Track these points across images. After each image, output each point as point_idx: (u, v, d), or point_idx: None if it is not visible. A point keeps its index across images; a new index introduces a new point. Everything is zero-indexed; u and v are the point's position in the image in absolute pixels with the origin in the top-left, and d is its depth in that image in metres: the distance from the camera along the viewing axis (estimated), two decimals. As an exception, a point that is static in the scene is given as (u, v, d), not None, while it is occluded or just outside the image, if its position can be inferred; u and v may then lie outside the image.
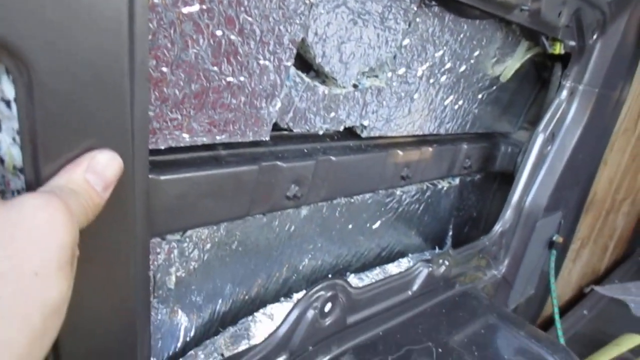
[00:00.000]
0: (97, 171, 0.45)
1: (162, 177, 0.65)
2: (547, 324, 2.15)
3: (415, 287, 1.11)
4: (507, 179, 1.49)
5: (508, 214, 1.40)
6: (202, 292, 0.83)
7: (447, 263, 1.18)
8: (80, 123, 0.45)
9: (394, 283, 1.05)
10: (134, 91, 0.49)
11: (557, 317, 1.59)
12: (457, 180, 1.40)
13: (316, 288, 0.85)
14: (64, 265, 0.37)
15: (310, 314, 0.86)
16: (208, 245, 0.80)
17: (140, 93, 0.49)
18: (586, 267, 2.65)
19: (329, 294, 0.87)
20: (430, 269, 1.13)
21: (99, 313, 0.54)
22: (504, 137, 1.53)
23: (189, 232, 0.75)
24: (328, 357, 0.92)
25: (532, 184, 1.44)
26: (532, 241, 1.51)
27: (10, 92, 0.42)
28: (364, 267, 1.20)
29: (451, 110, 1.21)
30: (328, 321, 0.90)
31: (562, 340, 1.71)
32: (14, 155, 0.44)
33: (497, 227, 1.39)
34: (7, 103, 0.43)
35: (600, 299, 2.59)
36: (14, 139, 0.44)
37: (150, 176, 0.63)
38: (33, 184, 0.44)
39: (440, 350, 1.05)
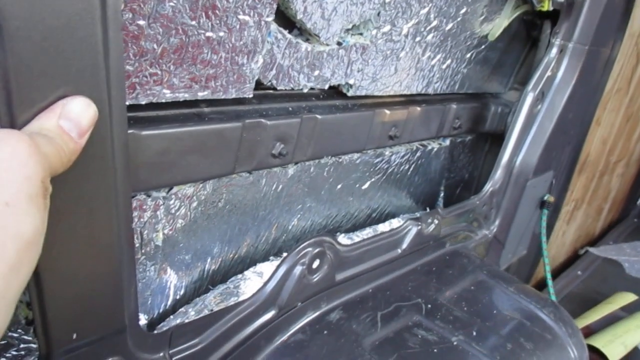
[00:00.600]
0: (71, 118, 0.45)
1: (144, 132, 0.65)
2: (541, 286, 2.17)
3: (404, 246, 1.12)
4: (499, 140, 1.49)
5: (498, 173, 1.41)
6: (190, 250, 0.84)
7: (436, 222, 1.19)
8: (53, 71, 0.45)
9: (382, 241, 1.06)
10: (107, 40, 0.49)
11: (548, 275, 1.61)
12: (447, 142, 1.41)
13: (303, 244, 0.86)
14: (35, 198, 0.37)
15: (298, 270, 0.87)
16: (194, 204, 0.80)
17: (114, 42, 0.49)
18: (580, 229, 2.67)
19: (317, 250, 0.89)
20: (420, 227, 1.14)
21: (83, 265, 0.55)
22: (494, 97, 1.53)
23: (174, 189, 0.76)
24: (317, 313, 0.94)
25: (522, 144, 1.44)
26: (523, 201, 1.52)
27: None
28: (354, 228, 1.21)
29: (439, 70, 1.20)
30: (316, 278, 0.91)
31: (553, 298, 1.74)
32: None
33: (488, 187, 1.40)
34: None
35: (595, 260, 2.62)
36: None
37: (131, 131, 0.63)
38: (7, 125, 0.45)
39: (429, 306, 1.07)
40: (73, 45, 0.46)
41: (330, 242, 0.91)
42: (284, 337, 0.88)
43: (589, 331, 1.96)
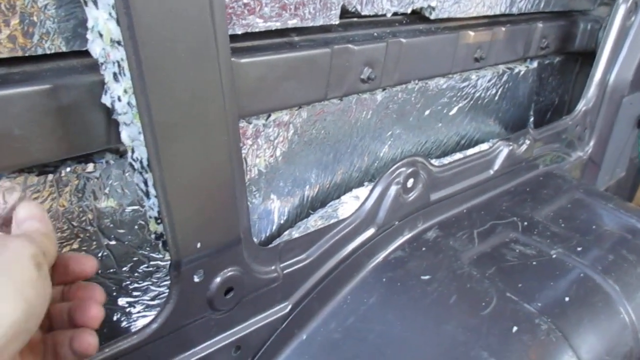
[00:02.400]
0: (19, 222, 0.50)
1: (243, 60, 0.70)
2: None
3: (496, 167, 1.13)
4: (589, 60, 1.44)
5: (591, 91, 1.37)
6: (290, 177, 0.89)
7: (528, 142, 1.18)
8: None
9: (474, 162, 1.07)
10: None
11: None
12: (534, 64, 1.38)
13: (397, 164, 0.89)
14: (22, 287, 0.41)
15: (394, 189, 0.90)
16: (291, 131, 0.85)
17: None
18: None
19: (410, 170, 0.91)
20: (511, 147, 1.13)
21: (202, 181, 0.61)
22: (583, 14, 1.46)
23: (272, 117, 0.80)
24: (414, 231, 0.98)
25: (616, 59, 1.38)
26: (619, 119, 1.47)
27: (103, -29, 0.47)
28: (444, 155, 1.22)
29: (523, -12, 1.18)
30: (411, 196, 0.94)
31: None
32: (111, 29, 0.50)
33: (580, 106, 1.36)
34: (102, -17, 0.48)
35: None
36: (110, 14, 0.49)
37: (232, 59, 0.68)
38: (132, 53, 0.50)
39: (525, 223, 1.08)
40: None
41: (423, 162, 0.94)
42: (385, 254, 0.92)
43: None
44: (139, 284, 0.74)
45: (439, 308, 0.85)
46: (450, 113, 1.18)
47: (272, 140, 0.83)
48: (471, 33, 1.06)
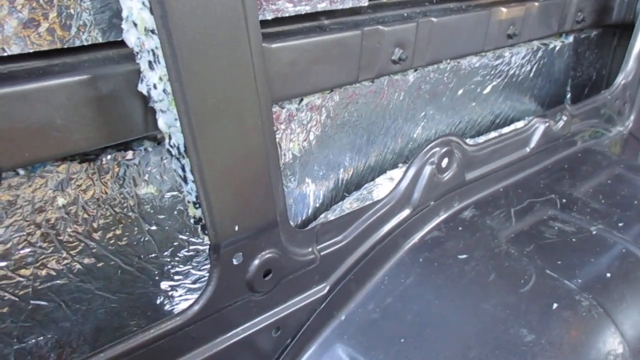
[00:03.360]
0: None
1: (274, 45, 0.70)
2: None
3: (532, 144, 1.11)
4: (628, 32, 1.40)
5: (630, 64, 1.33)
6: (324, 161, 0.90)
7: (565, 118, 1.16)
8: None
9: (510, 140, 1.06)
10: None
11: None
12: (570, 38, 1.35)
13: (431, 144, 0.89)
14: None
15: (428, 169, 0.90)
16: (324, 115, 0.85)
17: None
18: None
19: (444, 149, 0.91)
20: (547, 124, 1.12)
21: (238, 165, 0.62)
22: (620, -15, 1.42)
23: (305, 101, 0.81)
24: (450, 211, 0.97)
25: (657, 29, 1.34)
26: (661, 92, 1.43)
27: (136, -39, 0.49)
28: (478, 135, 1.21)
29: (556, -39, 1.15)
30: (446, 176, 0.94)
31: None
32: (145, 18, 0.52)
33: (620, 80, 1.33)
34: (134, -28, 0.49)
35: None
36: (143, 4, 0.51)
37: (263, 45, 0.68)
38: (166, 41, 0.51)
39: (564, 200, 1.06)
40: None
41: (457, 142, 0.94)
42: (421, 234, 0.92)
43: None
44: (180, 268, 0.76)
45: (477, 287, 0.85)
46: (484, 92, 1.16)
47: (305, 124, 0.83)
48: (503, 9, 1.05)
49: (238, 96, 0.59)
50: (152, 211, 0.70)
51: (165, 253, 0.74)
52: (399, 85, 0.95)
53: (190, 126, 0.56)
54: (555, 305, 0.82)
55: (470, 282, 0.86)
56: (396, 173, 0.98)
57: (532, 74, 1.27)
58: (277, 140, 0.80)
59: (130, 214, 0.67)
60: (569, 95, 1.46)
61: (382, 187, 0.95)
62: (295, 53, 0.73)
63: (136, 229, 0.69)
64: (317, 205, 0.93)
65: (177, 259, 0.75)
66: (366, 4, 0.82)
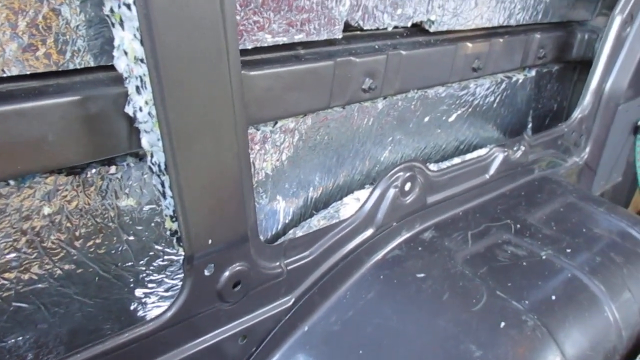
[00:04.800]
0: None
1: (252, 73, 0.76)
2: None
3: (492, 171, 1.18)
4: (587, 68, 1.49)
5: (587, 99, 1.42)
6: (295, 180, 0.96)
7: (523, 148, 1.24)
8: (184, 20, 0.57)
9: (470, 167, 1.13)
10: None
11: (645, 200, 1.61)
12: (533, 72, 1.43)
13: (395, 169, 0.96)
14: None
15: (392, 192, 0.96)
16: (297, 137, 0.91)
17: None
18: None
19: (407, 174, 0.97)
20: (506, 153, 1.19)
21: (213, 183, 0.67)
22: (581, 25, 1.52)
23: (279, 124, 0.87)
24: (411, 232, 1.04)
25: (612, 68, 1.44)
26: (615, 126, 1.52)
27: (130, -3, 0.54)
28: (442, 160, 1.28)
29: (521, 0, 1.23)
30: (409, 199, 1.00)
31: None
32: (135, 48, 0.57)
33: (576, 114, 1.42)
34: (128, 6, 0.55)
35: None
36: (134, 35, 0.56)
37: (242, 72, 0.74)
38: (153, 70, 0.57)
39: (518, 226, 1.13)
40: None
41: (420, 167, 1.00)
42: (383, 253, 0.98)
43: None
44: (154, 276, 0.81)
45: (432, 304, 0.91)
46: (450, 120, 1.24)
47: (278, 146, 0.89)
48: (469, 44, 1.12)
49: (217, 120, 0.64)
50: (130, 222, 0.74)
51: (141, 262, 0.78)
52: (368, 112, 1.02)
53: (172, 147, 0.61)
54: (503, 324, 0.88)
55: (426, 299, 0.92)
56: (362, 194, 1.04)
57: (495, 104, 1.35)
58: (252, 160, 0.85)
59: (110, 224, 0.72)
60: (530, 125, 1.54)
61: (349, 206, 1.01)
62: (271, 80, 0.79)
63: (115, 238, 0.74)
64: (287, 221, 0.98)
65: (151, 267, 0.80)
66: (340, 36, 0.89)
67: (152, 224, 0.77)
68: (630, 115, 1.57)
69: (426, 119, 1.17)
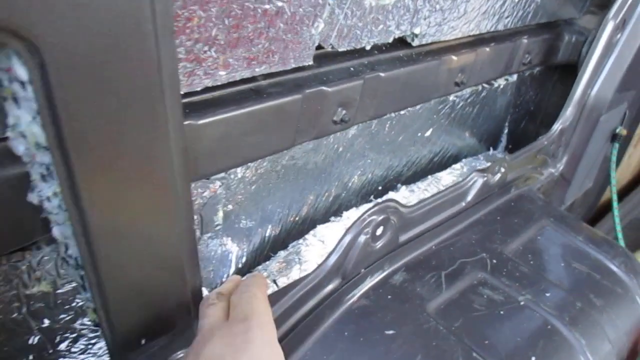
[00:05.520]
0: None
1: (201, 122, 0.61)
2: (603, 211, 2.10)
3: (469, 198, 1.07)
4: (569, 68, 1.38)
5: (569, 110, 1.31)
6: (251, 220, 0.82)
7: (502, 170, 1.13)
8: (103, 93, 0.41)
9: (447, 197, 1.01)
10: (159, 45, 0.44)
11: (616, 212, 1.54)
12: (514, 77, 1.31)
13: (367, 213, 0.83)
14: None
15: (362, 239, 0.84)
16: (254, 178, 0.77)
17: (165, 43, 0.44)
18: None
19: (381, 217, 0.85)
20: (485, 178, 1.08)
21: (151, 280, 0.53)
22: (568, 24, 1.39)
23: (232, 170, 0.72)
24: (380, 276, 0.92)
25: (598, 77, 1.33)
26: (594, 136, 1.43)
27: (23, 73, 0.38)
28: (415, 175, 1.16)
29: (511, 2, 1.09)
30: (380, 244, 0.88)
31: (619, 228, 1.67)
32: (36, 133, 0.41)
33: (557, 126, 1.31)
34: (22, 84, 0.39)
35: (661, 182, 2.50)
36: (34, 118, 0.40)
37: (187, 122, 0.59)
38: (61, 164, 0.42)
39: (494, 261, 1.03)
40: (123, 60, 0.41)
41: (394, 208, 0.88)
42: (348, 304, 0.86)
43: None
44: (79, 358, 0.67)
45: (402, 370, 0.81)
46: (425, 135, 1.11)
47: (232, 190, 0.75)
48: (454, 57, 0.98)
49: (151, 208, 0.50)
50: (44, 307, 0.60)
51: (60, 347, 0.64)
52: (337, 140, 0.88)
53: (90, 250, 0.47)
54: (479, 398, 0.79)
55: (396, 363, 0.81)
56: (327, 231, 0.92)
57: (474, 114, 1.23)
58: (199, 212, 0.71)
59: (16, 315, 0.57)
60: (506, 131, 1.44)
61: (312, 247, 0.89)
62: (225, 127, 0.64)
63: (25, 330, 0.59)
64: (240, 265, 0.85)
65: (74, 350, 0.66)
66: (311, 62, 0.74)
67: (73, 304, 0.62)
68: (609, 124, 1.48)
69: (400, 138, 1.04)
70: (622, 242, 1.67)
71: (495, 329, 0.90)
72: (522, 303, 0.95)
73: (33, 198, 0.47)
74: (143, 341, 0.56)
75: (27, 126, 0.41)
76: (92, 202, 0.44)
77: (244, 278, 0.63)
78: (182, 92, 0.59)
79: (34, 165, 0.44)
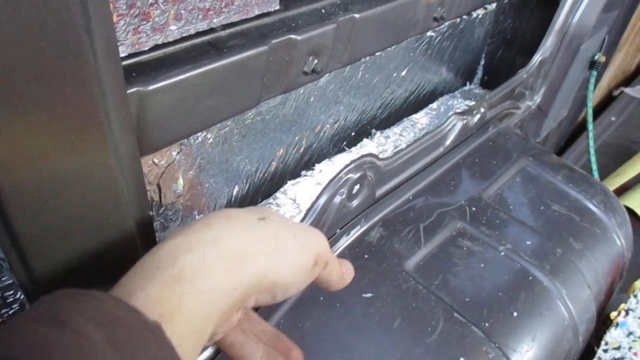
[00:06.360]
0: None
1: (150, 87, 0.52)
2: (573, 137, 2.08)
3: (447, 143, 1.01)
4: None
5: (550, 40, 1.24)
6: (215, 182, 0.75)
7: (482, 110, 1.06)
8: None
9: (425, 144, 0.94)
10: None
11: (591, 142, 1.51)
12: (493, 5, 1.22)
13: (343, 171, 0.76)
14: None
15: (337, 200, 0.77)
16: (217, 139, 0.69)
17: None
18: (618, 69, 2.49)
19: (357, 175, 0.78)
20: (465, 121, 1.01)
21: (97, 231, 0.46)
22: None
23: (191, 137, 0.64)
24: (356, 234, 0.87)
25: (581, 2, 1.24)
26: (573, 66, 1.37)
27: None
28: (389, 117, 1.09)
29: None
30: (356, 202, 0.82)
31: (592, 151, 1.65)
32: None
33: (537, 57, 1.24)
34: None
35: (629, 103, 2.48)
36: None
37: (134, 89, 0.50)
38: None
39: (473, 209, 0.99)
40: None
41: (371, 162, 0.81)
42: (323, 268, 0.81)
43: (625, 188, 1.89)
44: None
45: (382, 334, 0.77)
46: (401, 74, 1.03)
47: (192, 155, 0.67)
48: (433, -10, 0.89)
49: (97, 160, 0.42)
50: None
51: None
52: (307, 90, 0.79)
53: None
54: (462, 360, 0.76)
55: (375, 328, 0.77)
56: (298, 189, 0.85)
57: (450, 48, 1.15)
58: (156, 183, 0.63)
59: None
60: (482, 62, 1.36)
61: (284, 207, 0.82)
62: (180, 91, 0.55)
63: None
64: (205, 230, 0.78)
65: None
66: (277, 7, 0.64)
67: None
68: (589, 51, 1.41)
69: (374, 81, 0.96)
70: (594, 166, 1.66)
71: (476, 284, 0.86)
72: (502, 254, 0.92)
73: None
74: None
75: None
76: (18, 208, 0.36)
77: None
78: (125, 54, 0.50)
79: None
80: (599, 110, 2.45)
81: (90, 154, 0.41)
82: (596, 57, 1.46)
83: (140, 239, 0.51)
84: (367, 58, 0.87)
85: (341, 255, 0.84)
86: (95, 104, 0.39)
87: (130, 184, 0.46)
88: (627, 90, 2.53)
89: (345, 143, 0.99)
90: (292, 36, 0.65)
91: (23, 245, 0.40)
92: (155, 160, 0.61)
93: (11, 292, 0.52)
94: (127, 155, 0.45)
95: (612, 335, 1.03)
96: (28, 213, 0.39)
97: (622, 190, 1.86)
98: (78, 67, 0.36)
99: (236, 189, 0.80)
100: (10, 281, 0.51)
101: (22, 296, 0.53)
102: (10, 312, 0.53)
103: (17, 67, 0.33)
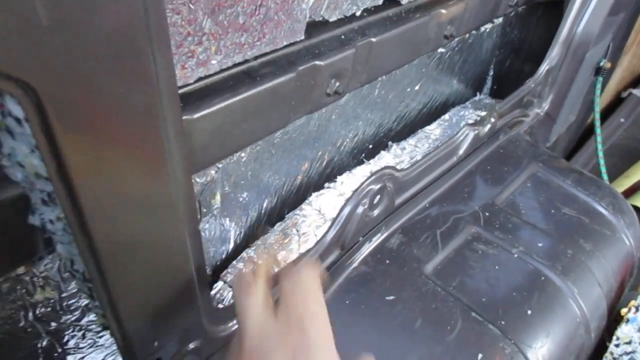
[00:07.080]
0: None
1: (196, 115, 0.58)
2: (582, 140, 2.12)
3: (460, 152, 1.07)
4: (553, 2, 1.35)
5: (556, 50, 1.29)
6: (247, 196, 0.81)
7: (492, 120, 1.12)
8: (104, 121, 0.39)
9: (440, 154, 1.01)
10: (156, 61, 0.41)
11: (599, 146, 1.56)
12: (500, 19, 1.28)
13: (364, 184, 0.82)
14: None
15: (360, 210, 0.84)
16: (249, 157, 0.75)
17: (160, 57, 0.42)
18: (626, 70, 2.53)
19: (378, 186, 0.85)
20: (476, 131, 1.07)
21: (159, 289, 0.53)
22: (554, -42, 1.35)
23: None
24: (377, 241, 0.93)
25: (584, 12, 1.30)
26: (579, 73, 1.42)
27: (18, 111, 0.35)
28: (404, 129, 1.15)
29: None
30: (377, 211, 0.88)
31: (601, 154, 1.70)
32: (35, 164, 0.39)
33: (544, 66, 1.29)
34: (18, 120, 0.36)
35: (637, 105, 2.52)
36: (32, 151, 0.38)
37: (184, 117, 0.57)
38: (63, 192, 0.40)
39: (487, 214, 1.04)
40: (121, 73, 0.39)
41: (390, 174, 0.87)
42: (347, 272, 0.87)
43: (634, 189, 1.93)
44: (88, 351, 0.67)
45: (404, 334, 0.83)
46: (415, 89, 1.09)
47: (228, 173, 0.73)
48: (443, 11, 0.95)
49: (156, 228, 0.49)
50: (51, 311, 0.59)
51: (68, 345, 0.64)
52: (329, 109, 0.86)
53: (98, 267, 0.46)
54: (480, 356, 0.81)
55: (398, 329, 0.83)
56: (323, 201, 0.91)
57: (461, 61, 1.21)
58: (197, 199, 0.70)
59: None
60: (491, 73, 1.42)
61: (309, 218, 0.88)
62: (220, 117, 0.61)
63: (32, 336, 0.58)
64: (239, 241, 0.85)
65: (82, 346, 0.66)
66: (302, 37, 0.71)
67: (79, 303, 0.62)
68: (594, 58, 1.47)
69: (390, 96, 1.02)
70: (603, 168, 1.71)
71: (492, 285, 0.92)
72: (515, 256, 0.97)
73: (35, 220, 0.45)
74: (156, 343, 0.56)
75: (24, 157, 0.39)
76: (99, 228, 0.43)
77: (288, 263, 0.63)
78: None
79: (34, 191, 0.42)
80: (607, 112, 2.49)
81: (156, 182, 0.47)
82: (602, 64, 1.52)
83: (194, 261, 0.57)
84: (383, 76, 0.94)
85: (364, 262, 0.90)
86: (158, 133, 0.45)
87: (184, 204, 0.53)
88: (635, 91, 2.57)
89: (363, 155, 1.05)
90: (317, 62, 0.72)
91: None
92: (197, 179, 0.68)
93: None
94: (182, 178, 0.51)
95: (623, 331, 1.08)
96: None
97: (631, 191, 1.90)
98: (145, 103, 0.43)
99: (266, 202, 0.86)
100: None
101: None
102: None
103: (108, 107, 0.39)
